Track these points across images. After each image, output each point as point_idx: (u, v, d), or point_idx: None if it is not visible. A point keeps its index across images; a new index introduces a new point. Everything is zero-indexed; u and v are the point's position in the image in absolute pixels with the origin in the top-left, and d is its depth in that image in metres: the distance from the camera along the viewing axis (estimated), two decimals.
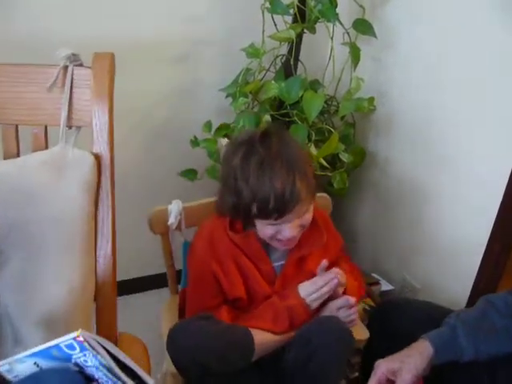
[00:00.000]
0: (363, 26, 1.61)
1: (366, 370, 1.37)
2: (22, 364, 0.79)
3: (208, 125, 1.71)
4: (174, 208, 1.31)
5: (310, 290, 1.18)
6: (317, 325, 1.14)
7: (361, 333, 1.29)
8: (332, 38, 1.62)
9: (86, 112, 1.01)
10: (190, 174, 1.75)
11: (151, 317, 1.53)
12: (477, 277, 1.52)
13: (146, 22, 1.64)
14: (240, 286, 1.22)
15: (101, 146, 1.02)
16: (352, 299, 1.19)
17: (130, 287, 1.97)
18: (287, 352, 1.15)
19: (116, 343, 1.05)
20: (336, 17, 1.56)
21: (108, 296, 1.07)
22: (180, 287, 1.43)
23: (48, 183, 1.00)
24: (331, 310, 1.21)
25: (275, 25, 1.65)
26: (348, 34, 1.63)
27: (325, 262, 1.20)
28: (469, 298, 1.55)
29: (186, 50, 1.76)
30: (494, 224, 1.44)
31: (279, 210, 1.10)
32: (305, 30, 1.65)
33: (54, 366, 0.79)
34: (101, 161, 1.03)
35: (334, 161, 1.72)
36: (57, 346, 0.76)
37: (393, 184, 1.80)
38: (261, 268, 1.24)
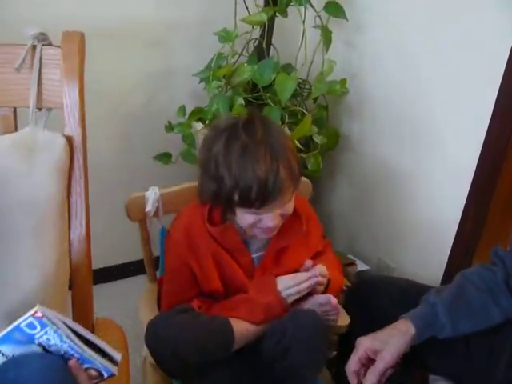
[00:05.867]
0: (334, 9, 1.62)
1: (343, 348, 1.39)
2: None
3: (182, 109, 1.70)
4: (151, 195, 1.28)
5: (288, 284, 1.15)
6: (292, 319, 1.12)
7: (342, 319, 1.27)
8: (304, 21, 1.63)
9: (56, 93, 0.99)
10: (164, 157, 1.74)
11: (130, 304, 1.52)
12: (450, 255, 1.54)
13: (119, 4, 1.63)
14: (216, 279, 1.19)
15: (72, 127, 1.00)
16: (334, 299, 1.15)
17: (107, 275, 1.96)
18: (263, 343, 1.13)
19: (93, 329, 1.04)
20: (307, 0, 1.57)
21: (83, 280, 1.06)
22: (158, 274, 1.41)
23: (18, 167, 0.97)
24: (312, 305, 1.18)
25: (247, 8, 1.65)
26: (320, 17, 1.63)
27: (309, 262, 1.19)
28: (443, 275, 1.57)
29: (160, 34, 1.74)
30: (466, 203, 1.47)
31: (262, 199, 1.06)
32: (277, 14, 1.66)
33: (19, 351, 0.77)
34: (73, 142, 1.00)
35: (307, 143, 1.73)
36: (18, 328, 0.75)
37: (367, 165, 1.81)
38: (240, 260, 1.21)
